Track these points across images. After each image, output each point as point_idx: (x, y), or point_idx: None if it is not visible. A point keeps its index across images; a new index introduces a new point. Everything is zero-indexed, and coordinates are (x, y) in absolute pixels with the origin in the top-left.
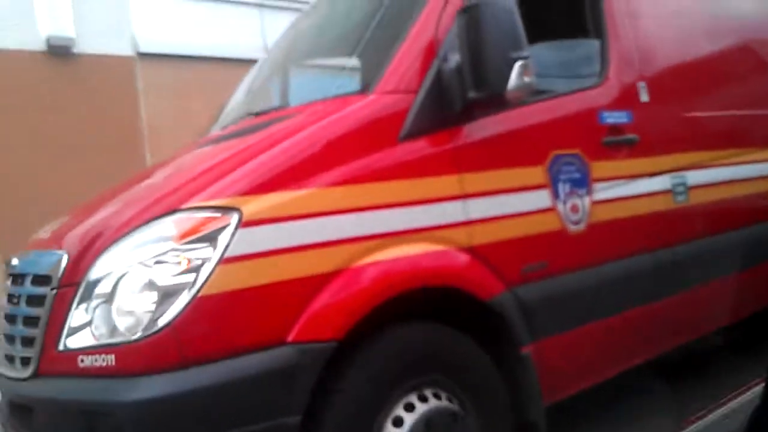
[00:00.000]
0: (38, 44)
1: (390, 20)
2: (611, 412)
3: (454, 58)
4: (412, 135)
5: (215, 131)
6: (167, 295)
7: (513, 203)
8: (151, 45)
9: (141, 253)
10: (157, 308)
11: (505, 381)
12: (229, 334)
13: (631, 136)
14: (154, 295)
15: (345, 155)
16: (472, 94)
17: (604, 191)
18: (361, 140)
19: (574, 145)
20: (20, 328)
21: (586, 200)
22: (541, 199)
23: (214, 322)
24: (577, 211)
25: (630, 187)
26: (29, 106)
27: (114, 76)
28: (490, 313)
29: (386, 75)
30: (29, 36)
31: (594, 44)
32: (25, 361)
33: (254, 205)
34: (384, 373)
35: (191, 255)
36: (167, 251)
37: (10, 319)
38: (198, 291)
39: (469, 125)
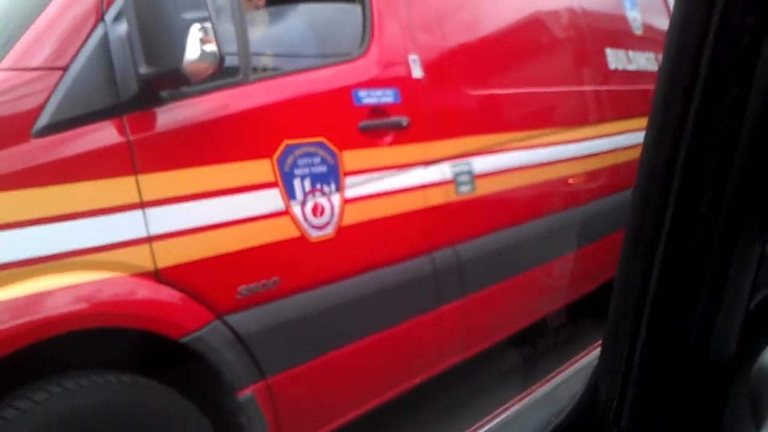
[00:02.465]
0: None
1: None
2: (459, 380)
3: (125, 24)
4: (58, 126)
5: None
6: None
7: (221, 209)
8: None
9: None
10: None
11: None
12: None
13: (398, 118)
14: None
15: None
16: (143, 70)
17: (360, 186)
18: None
19: (317, 131)
20: None
21: (336, 199)
22: (266, 201)
23: None
24: (321, 213)
25: (397, 180)
26: None
27: None
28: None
29: (20, 46)
30: None
31: (353, 8)
32: None
33: None
34: None
35: None
36: None
37: None
38: None
39: (153, 111)
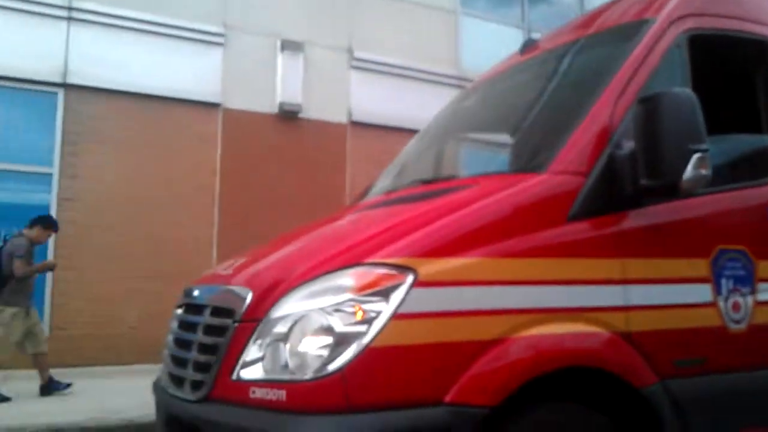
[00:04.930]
0: (273, 108)
1: (564, 104)
2: None
3: (628, 145)
4: (580, 216)
5: (376, 196)
6: (340, 341)
7: (674, 294)
8: (362, 115)
9: (321, 300)
10: (329, 353)
11: None
12: (394, 386)
13: None
14: (328, 340)
15: (515, 229)
16: (644, 182)
17: None
18: (531, 216)
19: (741, 241)
20: (195, 354)
21: (749, 300)
22: (702, 293)
23: (381, 373)
24: (738, 309)
25: None
26: (260, 157)
27: (329, 139)
28: (638, 404)
29: (559, 156)
30: (267, 101)
31: (763, 139)
32: (196, 385)
33: (429, 267)
34: None
35: (366, 307)
36: (345, 301)
37: (183, 344)
38: (369, 342)
39: (636, 211)
